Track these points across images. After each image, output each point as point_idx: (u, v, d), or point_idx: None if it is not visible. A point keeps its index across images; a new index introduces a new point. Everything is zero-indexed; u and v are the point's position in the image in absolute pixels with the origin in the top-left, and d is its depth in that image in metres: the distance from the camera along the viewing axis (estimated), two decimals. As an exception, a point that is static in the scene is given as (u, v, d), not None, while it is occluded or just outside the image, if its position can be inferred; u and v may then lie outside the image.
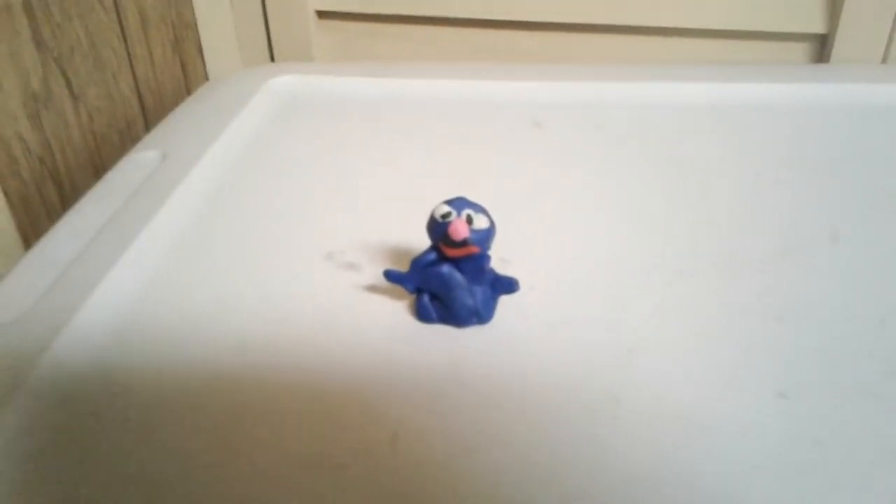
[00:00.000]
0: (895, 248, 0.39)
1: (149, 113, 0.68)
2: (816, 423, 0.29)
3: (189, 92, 0.74)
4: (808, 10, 0.66)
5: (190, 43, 0.74)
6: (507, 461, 0.28)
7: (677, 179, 0.47)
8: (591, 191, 0.46)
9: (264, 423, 0.29)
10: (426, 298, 0.34)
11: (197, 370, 0.32)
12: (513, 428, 0.29)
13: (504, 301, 0.35)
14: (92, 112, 0.60)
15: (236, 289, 0.38)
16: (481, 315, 0.34)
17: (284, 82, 0.61)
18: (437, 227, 0.32)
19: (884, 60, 0.65)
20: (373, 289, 0.37)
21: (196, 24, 0.74)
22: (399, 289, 0.35)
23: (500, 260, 0.37)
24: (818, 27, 0.66)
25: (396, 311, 0.36)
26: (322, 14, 0.77)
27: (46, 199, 0.56)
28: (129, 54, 0.64)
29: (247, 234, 0.42)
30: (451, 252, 0.33)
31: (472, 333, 0.34)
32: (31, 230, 0.55)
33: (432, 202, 0.34)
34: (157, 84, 0.69)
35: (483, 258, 0.33)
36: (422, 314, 0.34)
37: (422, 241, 0.34)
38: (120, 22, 0.62)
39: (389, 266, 0.37)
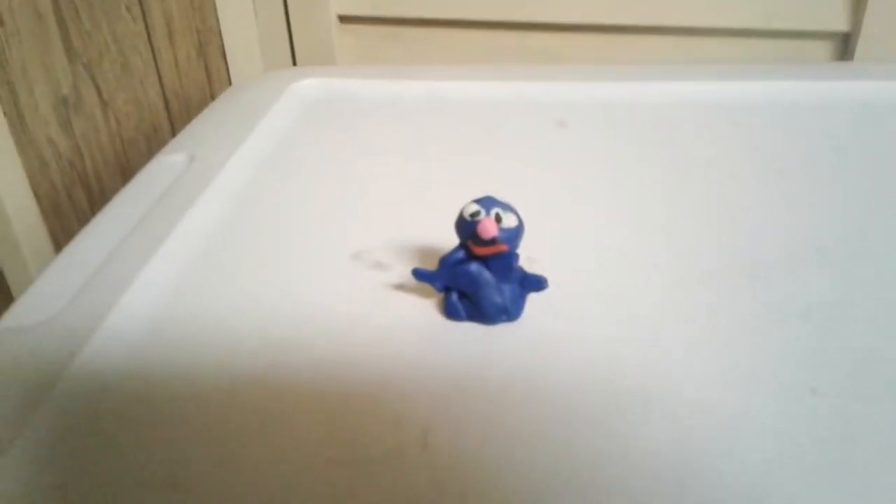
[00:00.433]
0: (925, 246, 0.39)
1: (174, 117, 0.69)
2: (847, 421, 0.29)
3: (213, 97, 0.75)
4: (831, 9, 0.66)
5: (214, 48, 0.75)
6: (537, 457, 0.28)
7: (702, 179, 0.46)
8: (616, 190, 0.46)
9: (297, 421, 0.30)
10: (455, 297, 0.34)
11: (228, 370, 0.33)
12: (542, 425, 0.29)
13: (532, 299, 0.35)
14: (120, 117, 0.61)
15: (265, 289, 0.38)
16: (510, 313, 0.34)
17: (308, 86, 0.62)
18: (466, 226, 0.33)
19: (908, 58, 0.65)
20: (401, 287, 0.37)
21: (220, 30, 0.75)
22: (427, 287, 0.35)
23: (528, 258, 0.37)
24: (841, 26, 0.66)
25: (425, 309, 0.36)
26: (344, 18, 0.78)
27: (76, 202, 0.57)
28: (155, 60, 0.65)
29: (274, 235, 0.43)
30: (480, 250, 0.33)
31: (500, 331, 0.34)
32: (62, 233, 0.55)
33: (458, 201, 0.34)
34: (182, 89, 0.69)
35: (512, 256, 0.33)
36: (450, 312, 0.35)
37: (449, 240, 0.34)
38: (147, 29, 0.63)
39: (417, 265, 0.37)
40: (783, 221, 0.42)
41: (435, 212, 0.41)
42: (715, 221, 0.42)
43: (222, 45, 0.76)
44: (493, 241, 0.32)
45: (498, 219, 0.32)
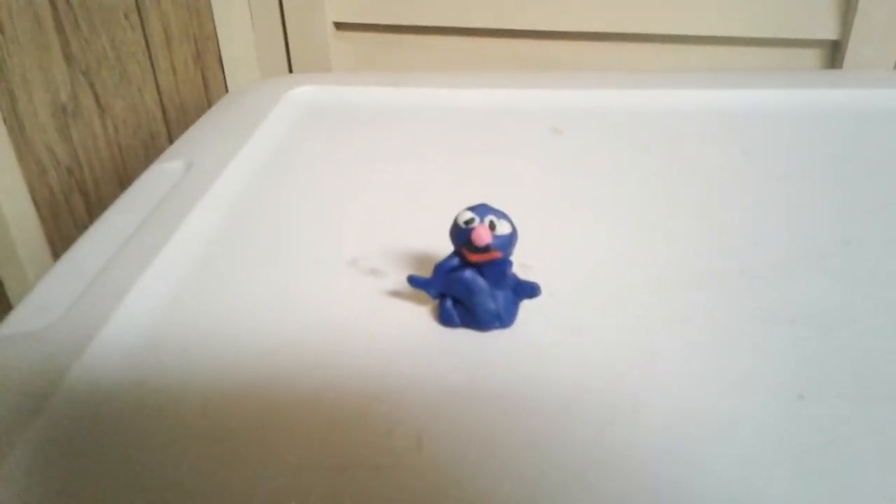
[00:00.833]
0: (911, 252, 0.40)
1: (171, 124, 0.69)
2: (835, 425, 0.29)
3: (210, 104, 0.75)
4: (820, 17, 0.67)
5: (211, 56, 0.75)
6: (530, 463, 0.28)
7: (695, 185, 0.47)
8: (610, 197, 0.46)
9: (293, 427, 0.30)
10: (449, 303, 0.35)
11: (226, 376, 0.33)
12: (535, 430, 0.29)
13: (526, 305, 0.35)
14: (118, 124, 0.61)
15: (262, 295, 0.38)
16: (503, 319, 0.35)
17: (304, 93, 0.62)
18: (461, 233, 0.33)
19: (897, 66, 0.66)
20: (396, 294, 0.38)
21: (217, 38, 0.76)
22: (422, 294, 0.36)
23: (522, 265, 0.38)
24: (831, 33, 0.67)
25: (420, 315, 0.36)
26: (340, 25, 0.78)
27: (74, 209, 0.57)
28: (153, 68, 0.65)
29: (271, 241, 0.43)
30: (474, 257, 0.33)
31: (494, 337, 0.35)
32: (59, 239, 0.56)
33: (453, 209, 0.34)
34: (179, 96, 0.70)
35: (505, 263, 0.34)
36: (445, 318, 0.35)
37: (444, 247, 0.35)
38: (145, 36, 0.63)
39: (412, 272, 0.38)
40: (774, 227, 0.42)
41: (430, 219, 0.42)
42: (707, 228, 0.42)
43: (219, 53, 0.77)
44: (487, 249, 0.33)
45: (492, 226, 0.33)
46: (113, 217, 0.46)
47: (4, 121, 0.51)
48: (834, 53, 0.68)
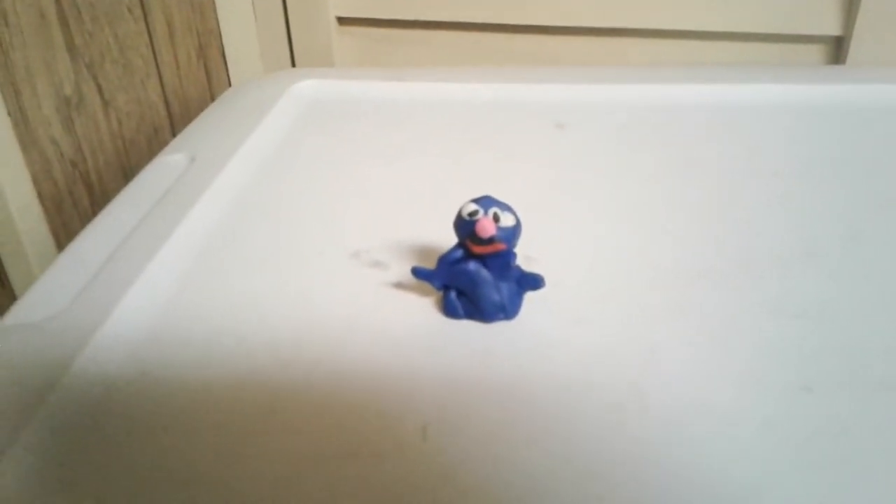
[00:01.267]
0: (914, 246, 0.40)
1: (175, 118, 0.69)
2: (840, 417, 0.29)
3: (213, 97, 0.76)
4: (823, 13, 0.67)
5: (214, 49, 0.75)
6: (534, 453, 0.28)
7: (697, 180, 0.47)
8: (613, 191, 0.46)
9: (299, 418, 0.30)
10: (453, 295, 0.35)
11: (230, 368, 0.33)
12: (538, 421, 0.30)
13: (529, 297, 0.35)
14: (121, 117, 0.61)
15: (266, 288, 0.38)
16: (507, 311, 0.35)
17: (307, 87, 0.62)
18: (465, 225, 0.33)
19: (900, 62, 0.66)
20: (400, 286, 0.38)
21: (220, 31, 0.76)
22: (426, 286, 0.36)
23: (525, 258, 0.38)
24: (834, 29, 0.67)
25: (424, 307, 0.36)
26: (342, 20, 0.78)
27: (78, 202, 0.57)
28: (156, 61, 0.65)
29: (274, 234, 0.43)
30: (478, 249, 0.34)
31: (498, 329, 0.35)
32: (63, 232, 0.56)
33: (457, 201, 0.34)
34: (182, 90, 0.70)
35: (509, 255, 0.34)
36: (449, 310, 0.35)
37: (447, 239, 0.35)
38: (148, 29, 0.63)
39: (416, 264, 0.38)
40: (778, 222, 0.42)
41: (433, 211, 0.42)
42: (711, 222, 0.43)
43: (222, 47, 0.77)
44: (491, 240, 0.33)
45: (496, 218, 0.33)
46: (117, 210, 0.46)
47: (9, 113, 0.51)
48: (837, 49, 0.68)
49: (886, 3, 0.64)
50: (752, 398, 0.30)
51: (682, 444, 0.28)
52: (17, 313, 0.37)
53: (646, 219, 0.43)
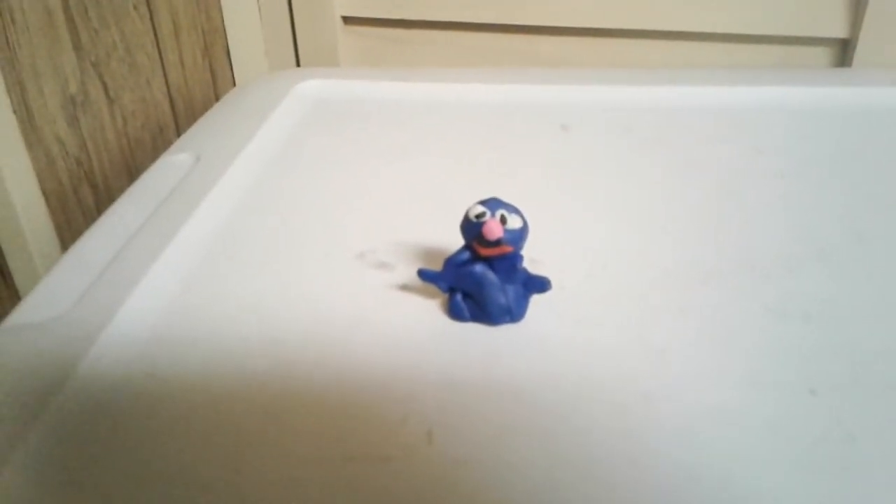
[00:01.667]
0: (921, 251, 0.40)
1: (179, 117, 0.69)
2: (847, 420, 0.29)
3: (217, 97, 0.75)
4: (830, 15, 0.66)
5: (219, 48, 0.75)
6: (540, 456, 0.28)
7: (703, 182, 0.47)
8: (619, 193, 0.46)
9: (303, 420, 0.30)
10: (459, 297, 0.35)
11: (234, 368, 0.33)
12: (544, 424, 0.30)
13: (536, 300, 0.35)
14: (126, 115, 0.61)
15: (271, 288, 0.38)
16: (513, 313, 0.35)
17: (312, 86, 0.62)
18: (472, 227, 0.33)
19: (907, 65, 0.65)
20: (405, 288, 0.38)
21: (225, 30, 0.76)
22: (432, 288, 0.36)
23: (532, 260, 0.38)
24: (840, 32, 0.66)
25: (430, 309, 0.36)
26: (348, 20, 0.78)
27: (82, 200, 0.57)
28: (161, 59, 0.65)
29: (279, 234, 0.43)
30: (485, 251, 0.33)
31: (504, 332, 0.35)
32: (67, 230, 0.56)
33: (463, 203, 0.34)
34: (187, 89, 0.70)
35: (516, 257, 0.34)
36: (455, 312, 0.35)
37: (453, 241, 0.35)
38: (154, 28, 0.63)
39: (422, 265, 0.38)
40: (783, 224, 0.42)
41: (440, 213, 0.42)
42: (717, 223, 0.42)
43: (227, 46, 0.77)
44: (497, 243, 0.33)
45: (503, 220, 0.33)
46: (121, 209, 0.46)
47: (14, 111, 0.51)
48: (843, 52, 0.68)
49: (893, 5, 0.63)
50: (757, 400, 0.30)
51: (687, 445, 0.28)
52: (21, 314, 0.37)
53: (651, 220, 0.43)
